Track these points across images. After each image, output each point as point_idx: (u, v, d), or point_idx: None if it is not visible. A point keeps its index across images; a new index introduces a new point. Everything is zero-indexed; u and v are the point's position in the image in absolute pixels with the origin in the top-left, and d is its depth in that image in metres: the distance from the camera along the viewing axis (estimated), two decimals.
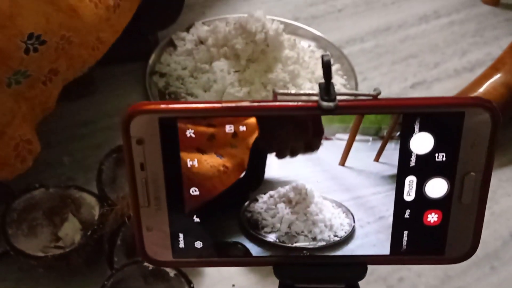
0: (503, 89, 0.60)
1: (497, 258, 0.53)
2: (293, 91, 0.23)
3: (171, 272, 0.43)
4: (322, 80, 0.21)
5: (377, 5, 0.86)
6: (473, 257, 0.53)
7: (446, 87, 0.71)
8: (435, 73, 0.74)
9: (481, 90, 0.61)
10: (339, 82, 0.69)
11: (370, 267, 0.51)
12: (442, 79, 0.73)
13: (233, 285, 0.49)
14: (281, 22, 0.73)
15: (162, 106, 0.22)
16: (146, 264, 0.43)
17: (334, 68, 0.71)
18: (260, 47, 0.62)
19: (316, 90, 0.62)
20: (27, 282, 0.47)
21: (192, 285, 0.43)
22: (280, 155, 0.22)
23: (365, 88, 0.71)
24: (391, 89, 0.71)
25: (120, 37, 0.57)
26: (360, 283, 0.49)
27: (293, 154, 0.22)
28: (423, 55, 0.77)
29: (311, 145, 0.22)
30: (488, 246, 0.54)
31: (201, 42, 0.68)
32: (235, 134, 0.22)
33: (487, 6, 0.88)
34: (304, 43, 0.74)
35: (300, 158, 0.22)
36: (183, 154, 0.22)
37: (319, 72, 0.68)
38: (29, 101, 0.44)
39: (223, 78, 0.63)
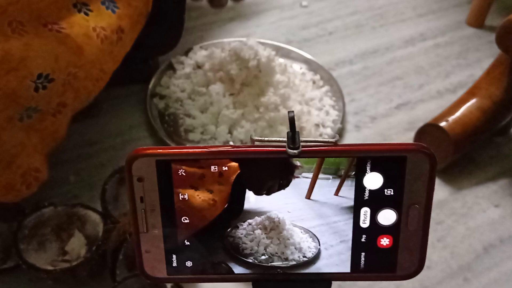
0: (479, 113, 0.65)
1: (470, 270, 0.57)
2: (267, 139, 0.27)
3: (169, 285, 0.47)
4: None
5: (366, 28, 0.91)
6: (448, 269, 0.58)
7: (429, 108, 0.75)
8: (419, 95, 0.79)
9: (458, 113, 0.65)
10: (328, 104, 0.73)
11: (350, 283, 0.55)
12: (426, 100, 0.78)
13: None
14: (274, 46, 0.78)
15: (159, 150, 0.26)
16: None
17: (323, 90, 0.75)
18: (253, 72, 0.67)
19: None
20: None
21: None
22: (257, 193, 0.27)
23: (353, 108, 0.75)
24: (377, 110, 0.75)
25: (123, 62, 0.62)
26: None
27: (268, 193, 0.27)
28: (408, 77, 0.81)
29: (283, 183, 0.27)
30: (462, 259, 0.58)
31: (199, 66, 0.73)
32: (221, 174, 0.27)
33: (472, 28, 0.93)
34: (295, 66, 0.78)
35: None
36: (177, 190, 0.27)
37: (309, 94, 0.73)
38: (39, 132, 0.48)
39: (219, 101, 0.67)
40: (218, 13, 0.89)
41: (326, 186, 0.27)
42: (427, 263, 0.57)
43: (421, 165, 0.26)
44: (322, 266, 0.28)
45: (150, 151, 0.26)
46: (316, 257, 0.28)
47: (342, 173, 0.27)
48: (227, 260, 0.28)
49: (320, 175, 0.27)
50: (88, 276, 0.50)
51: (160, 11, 0.64)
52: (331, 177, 0.27)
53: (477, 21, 0.93)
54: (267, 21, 0.89)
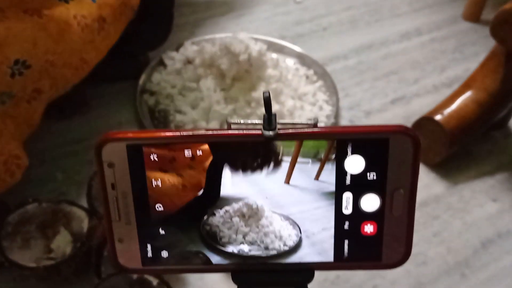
0: (474, 105, 0.63)
1: (467, 266, 0.56)
2: (243, 121, 0.26)
3: (154, 281, 0.46)
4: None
5: (361, 23, 0.90)
6: (445, 264, 0.56)
7: (424, 102, 0.74)
8: (414, 89, 0.77)
9: (454, 106, 0.64)
10: (321, 99, 0.72)
11: (346, 277, 0.54)
12: (421, 94, 0.77)
13: None
14: (267, 41, 0.77)
15: (129, 134, 0.25)
16: (130, 274, 0.46)
17: (317, 85, 0.74)
18: (244, 67, 0.66)
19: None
20: None
21: None
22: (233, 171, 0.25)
23: (347, 103, 0.74)
24: (372, 105, 0.74)
25: (112, 57, 0.60)
26: None
27: (245, 170, 0.25)
28: (404, 72, 0.80)
29: (262, 167, 0.25)
30: (459, 254, 0.57)
31: (189, 61, 0.72)
32: (193, 157, 0.25)
33: (468, 23, 0.92)
34: (289, 61, 0.77)
35: (251, 177, 0.26)
36: (149, 175, 0.26)
37: (302, 89, 0.72)
38: (14, 119, 0.47)
39: (210, 96, 0.66)
40: (210, 9, 0.88)
41: (305, 170, 0.26)
42: (422, 258, 0.56)
43: (404, 148, 0.25)
44: (304, 255, 0.27)
45: (121, 135, 0.25)
46: (297, 246, 0.27)
47: (322, 156, 0.25)
48: (205, 249, 0.27)
49: (299, 159, 0.25)
50: (73, 273, 0.48)
51: (149, 6, 0.63)
52: (310, 160, 0.25)
53: (473, 16, 0.92)
54: (260, 17, 0.88)
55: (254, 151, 0.25)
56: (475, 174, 0.65)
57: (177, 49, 0.75)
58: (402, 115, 0.72)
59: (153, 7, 0.64)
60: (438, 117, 0.63)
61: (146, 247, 0.27)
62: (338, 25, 0.88)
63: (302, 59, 0.78)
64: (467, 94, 0.64)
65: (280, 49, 0.78)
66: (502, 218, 0.61)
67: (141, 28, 0.66)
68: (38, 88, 0.47)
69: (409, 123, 0.67)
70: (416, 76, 0.80)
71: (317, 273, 0.53)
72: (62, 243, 0.51)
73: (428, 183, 0.64)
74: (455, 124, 0.62)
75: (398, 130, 0.25)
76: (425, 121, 0.64)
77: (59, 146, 0.63)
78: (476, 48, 0.85)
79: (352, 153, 0.25)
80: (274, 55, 0.74)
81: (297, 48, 0.79)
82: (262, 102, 0.65)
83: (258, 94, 0.65)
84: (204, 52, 0.69)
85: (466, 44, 0.87)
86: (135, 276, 0.46)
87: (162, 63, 0.73)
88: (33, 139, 0.55)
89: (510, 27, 0.59)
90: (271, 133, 0.24)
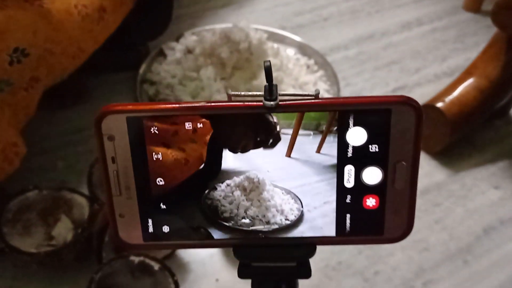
0: (476, 92, 0.63)
1: (469, 252, 0.56)
2: (243, 93, 0.26)
3: (156, 266, 0.46)
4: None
5: (362, 14, 0.89)
6: (447, 251, 0.56)
7: (426, 92, 0.74)
8: (415, 78, 0.77)
9: (455, 93, 0.64)
10: (322, 88, 0.72)
11: (346, 263, 0.54)
12: (423, 84, 0.76)
13: (217, 280, 0.51)
14: (268, 32, 0.76)
15: (129, 107, 0.25)
16: (132, 258, 0.46)
17: (318, 74, 0.74)
18: (245, 55, 0.66)
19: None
20: (22, 278, 0.50)
21: (175, 278, 0.46)
22: (232, 151, 0.25)
23: (348, 93, 0.74)
24: (373, 94, 0.74)
25: (112, 48, 0.60)
26: (338, 277, 0.52)
27: (244, 150, 0.25)
28: (405, 61, 0.80)
29: (262, 141, 0.25)
30: (461, 241, 0.57)
31: (189, 51, 0.72)
32: (194, 130, 0.25)
33: (469, 13, 0.91)
34: (289, 51, 0.77)
35: (252, 150, 0.25)
36: (149, 148, 0.25)
37: (303, 78, 0.71)
38: (12, 107, 0.47)
39: (210, 85, 0.66)
40: (211, 0, 0.87)
41: (307, 143, 0.25)
42: (424, 245, 0.56)
43: (407, 119, 0.25)
44: (305, 230, 0.27)
45: (120, 107, 0.25)
46: (299, 220, 0.27)
47: (324, 128, 0.25)
48: (206, 224, 0.27)
49: (301, 131, 0.25)
50: (74, 259, 0.48)
51: None
52: (312, 133, 0.25)
53: (474, 6, 0.91)
54: (260, 8, 0.88)
55: (255, 123, 0.25)
56: (476, 161, 0.65)
57: (177, 39, 0.75)
58: None
59: None
60: (439, 105, 0.63)
61: (147, 222, 0.27)
62: (338, 16, 0.88)
63: (303, 49, 0.77)
64: (469, 82, 0.64)
65: (280, 39, 0.78)
66: (504, 205, 0.61)
67: (140, 18, 0.66)
68: (36, 76, 0.47)
69: None
70: (417, 65, 0.79)
71: (318, 259, 0.53)
72: (63, 230, 0.51)
73: (429, 171, 0.64)
74: (457, 111, 0.62)
75: (401, 101, 0.24)
76: (427, 109, 0.64)
77: (59, 135, 0.63)
78: (476, 38, 0.85)
79: (354, 125, 0.25)
80: (275, 45, 0.74)
81: (298, 38, 0.79)
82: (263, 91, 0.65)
83: (259, 82, 0.65)
84: (204, 41, 0.69)
85: (467, 34, 0.86)
86: (136, 260, 0.45)
87: (162, 54, 0.73)
88: (34, 128, 0.55)
89: (511, 13, 0.58)
90: (272, 103, 0.24)
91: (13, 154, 0.47)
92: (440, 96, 0.64)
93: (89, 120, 0.69)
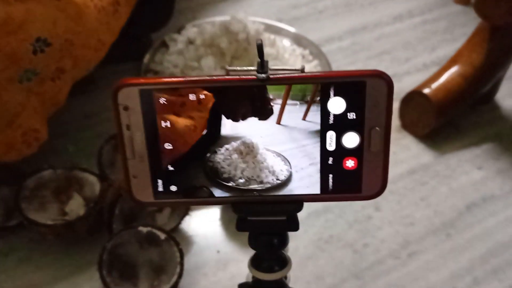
0: (460, 79, 0.67)
1: (452, 227, 0.60)
2: (239, 68, 0.30)
3: (162, 236, 0.50)
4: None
5: (355, 6, 0.93)
6: (431, 225, 0.60)
7: (415, 80, 0.77)
8: (406, 68, 0.81)
9: (441, 80, 0.68)
10: None
11: (337, 237, 0.58)
12: (412, 72, 0.80)
13: (218, 251, 0.56)
14: (265, 23, 0.80)
15: (141, 80, 0.29)
16: (140, 229, 0.50)
17: (312, 64, 0.78)
18: (243, 45, 0.70)
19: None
20: (38, 250, 0.54)
21: (180, 247, 0.50)
22: (234, 120, 0.29)
23: None
24: None
25: (118, 39, 0.64)
26: (330, 249, 0.56)
27: (244, 118, 0.29)
28: (396, 52, 0.84)
29: (259, 111, 0.29)
30: (445, 216, 0.61)
31: (191, 42, 0.75)
32: (199, 101, 0.29)
33: (458, 6, 0.95)
34: (286, 42, 0.81)
35: (248, 119, 0.30)
36: (159, 117, 0.29)
37: (299, 67, 0.75)
38: (39, 96, 0.51)
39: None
40: None
41: (294, 111, 0.30)
42: (409, 220, 0.60)
43: (379, 90, 0.29)
44: (294, 188, 0.31)
45: (134, 81, 0.29)
46: (288, 180, 0.31)
47: (308, 99, 0.29)
48: (208, 184, 0.31)
49: (289, 101, 0.29)
50: (86, 231, 0.52)
51: None
52: (298, 103, 0.29)
53: None
54: (258, 1, 0.92)
55: (252, 95, 0.29)
56: (461, 144, 0.69)
57: (179, 31, 0.79)
58: (394, 91, 0.76)
59: None
60: (426, 91, 0.67)
61: (157, 182, 0.31)
62: (333, 8, 0.92)
63: (298, 40, 0.81)
64: (454, 69, 0.68)
65: (277, 31, 0.82)
66: (486, 184, 0.65)
67: (145, 11, 0.70)
68: (61, 67, 0.51)
69: (400, 98, 0.70)
70: (408, 55, 0.83)
71: (311, 233, 0.57)
72: (75, 206, 0.55)
73: (417, 152, 0.68)
74: (442, 97, 0.66)
75: (374, 74, 0.29)
76: (414, 95, 0.68)
77: (70, 121, 0.67)
78: (465, 29, 0.89)
79: (335, 95, 0.29)
80: (272, 36, 0.78)
81: (294, 30, 0.82)
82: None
83: None
84: (204, 32, 0.73)
85: (456, 26, 0.90)
86: (144, 230, 0.50)
87: (164, 45, 0.77)
88: None
89: (492, 3, 0.62)
90: (264, 75, 0.28)
91: (33, 139, 0.51)
92: (427, 83, 0.68)
93: (96, 107, 0.73)
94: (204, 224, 0.58)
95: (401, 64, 0.82)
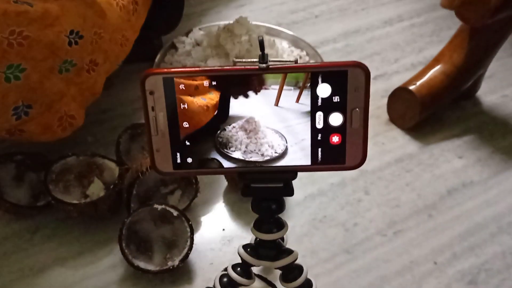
0: (443, 77, 0.74)
1: (434, 208, 0.66)
2: (244, 60, 0.36)
3: (175, 213, 0.56)
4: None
5: (349, 11, 1.00)
6: (415, 207, 0.67)
7: (403, 78, 0.84)
8: (394, 67, 0.88)
9: (425, 78, 0.74)
10: None
11: (330, 217, 0.65)
12: (401, 72, 0.87)
13: (223, 229, 0.62)
14: (265, 27, 0.87)
15: (164, 70, 0.36)
16: (155, 206, 0.56)
17: None
18: (245, 47, 0.77)
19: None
20: (63, 228, 0.60)
21: (190, 223, 0.56)
22: (235, 97, 0.36)
23: None
24: None
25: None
26: (324, 227, 0.63)
27: (246, 97, 0.36)
28: (386, 53, 0.91)
29: (255, 91, 0.36)
30: (427, 199, 0.67)
31: (198, 44, 0.82)
32: (211, 86, 0.36)
33: (445, 10, 1.02)
34: (284, 44, 0.88)
35: (251, 101, 0.36)
36: (178, 99, 0.36)
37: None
38: (78, 85, 0.58)
39: None
40: (215, 0, 0.98)
41: (289, 95, 0.36)
42: (395, 202, 0.67)
43: (359, 77, 0.35)
44: (289, 160, 0.38)
45: (158, 71, 0.36)
46: (284, 153, 0.37)
47: (301, 85, 0.36)
48: (218, 156, 0.38)
49: (285, 87, 0.36)
50: (107, 210, 0.59)
51: None
52: (292, 88, 0.36)
53: (451, 3, 1.01)
54: (259, 7, 0.99)
55: (252, 81, 0.36)
56: (444, 136, 0.76)
57: (186, 34, 0.86)
58: (383, 88, 0.83)
59: None
60: (411, 87, 0.73)
61: (176, 155, 0.38)
62: (328, 13, 0.99)
63: (296, 42, 0.88)
64: (437, 67, 0.75)
65: (276, 34, 0.89)
66: (467, 171, 0.71)
67: (156, 15, 0.77)
68: (94, 59, 0.57)
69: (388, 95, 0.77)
70: (397, 56, 0.90)
71: (307, 214, 0.64)
72: (96, 190, 0.61)
73: (403, 143, 0.74)
74: (426, 93, 0.73)
75: (354, 64, 0.35)
76: (401, 91, 0.74)
77: (89, 115, 0.73)
78: (451, 32, 0.94)
79: (322, 82, 0.35)
80: (271, 38, 0.84)
81: (292, 33, 0.89)
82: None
83: None
84: (210, 35, 0.80)
85: (443, 29, 0.97)
86: (159, 208, 0.56)
87: (173, 46, 0.84)
88: None
89: (470, 7, 0.69)
90: (264, 65, 0.35)
91: (68, 123, 0.58)
92: (412, 80, 0.75)
93: (112, 103, 0.80)
94: (211, 206, 0.64)
95: (390, 64, 0.88)
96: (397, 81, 0.84)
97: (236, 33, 0.76)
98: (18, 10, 0.49)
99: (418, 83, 0.73)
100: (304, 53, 0.86)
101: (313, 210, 0.65)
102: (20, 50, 0.50)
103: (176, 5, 0.78)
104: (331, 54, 0.89)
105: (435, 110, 0.76)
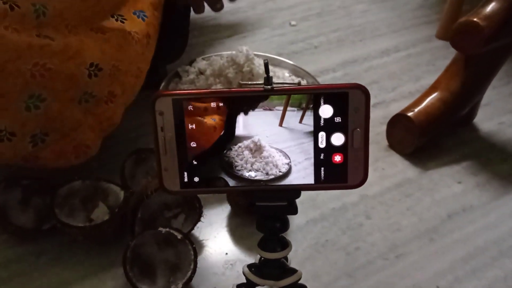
0: (439, 103, 0.76)
1: (435, 232, 0.67)
2: (250, 82, 0.38)
3: (179, 236, 0.57)
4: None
5: (347, 42, 1.03)
6: (416, 231, 0.68)
7: (401, 106, 0.86)
8: (392, 95, 0.90)
9: (423, 104, 0.76)
10: None
11: (332, 241, 0.65)
12: (398, 99, 0.89)
13: (226, 253, 0.62)
14: (266, 57, 0.90)
15: (173, 92, 0.37)
16: (160, 229, 0.57)
17: None
18: (247, 76, 0.79)
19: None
20: (67, 252, 0.61)
21: (194, 246, 0.57)
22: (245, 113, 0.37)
23: None
24: None
25: None
26: (326, 252, 0.63)
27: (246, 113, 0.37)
28: (383, 81, 0.93)
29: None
30: (429, 223, 0.68)
31: (201, 73, 0.85)
32: (218, 107, 0.37)
33: (441, 41, 1.06)
34: (285, 73, 0.90)
35: (255, 122, 0.38)
36: (187, 120, 0.37)
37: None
38: (96, 116, 0.59)
39: None
40: (218, 32, 1.02)
41: (293, 116, 0.38)
42: (397, 226, 0.67)
43: (359, 99, 0.37)
44: (293, 179, 0.39)
45: (168, 92, 0.37)
46: (288, 172, 0.39)
47: (304, 106, 0.37)
48: (224, 175, 0.39)
49: (288, 108, 0.38)
50: (112, 233, 0.59)
51: (169, 25, 0.76)
52: (296, 109, 0.38)
53: (446, 34, 1.05)
54: (260, 38, 1.02)
55: (258, 102, 0.37)
56: (443, 162, 0.77)
57: (190, 63, 0.88)
58: (382, 115, 0.85)
59: (172, 25, 0.77)
60: (409, 114, 0.75)
61: (183, 174, 0.39)
62: (327, 44, 1.02)
63: (296, 71, 0.91)
64: (434, 95, 0.77)
65: (277, 63, 0.92)
66: (466, 196, 0.72)
67: (161, 45, 0.79)
68: (112, 91, 0.59)
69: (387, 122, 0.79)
70: (394, 85, 0.93)
71: (309, 238, 0.64)
72: (100, 214, 0.62)
73: (402, 168, 0.76)
74: (424, 119, 0.75)
75: (354, 86, 0.37)
76: (399, 117, 0.76)
77: None
78: (446, 62, 0.97)
79: (324, 103, 0.37)
80: (272, 68, 0.87)
81: (292, 62, 0.92)
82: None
83: None
84: (213, 64, 0.83)
85: (438, 58, 1.00)
86: (163, 231, 0.57)
87: (177, 75, 0.86)
88: None
89: (464, 36, 0.72)
90: (269, 87, 0.36)
91: (82, 152, 0.59)
92: (410, 107, 0.77)
93: (118, 129, 0.81)
94: (214, 230, 0.65)
95: (388, 92, 0.91)
96: (395, 108, 0.86)
97: (238, 62, 0.78)
98: (42, 44, 0.52)
99: (416, 109, 0.75)
100: (304, 81, 0.88)
101: (315, 234, 0.65)
102: (42, 81, 0.52)
103: (181, 35, 0.81)
104: (331, 82, 0.91)
105: (433, 136, 0.78)
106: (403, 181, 0.73)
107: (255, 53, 0.89)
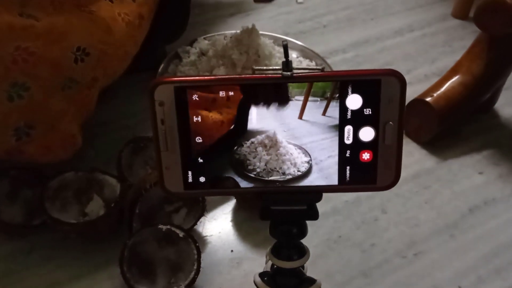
0: (461, 88, 0.71)
1: (456, 228, 0.62)
2: (265, 68, 0.33)
3: (180, 233, 0.52)
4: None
5: (358, 21, 0.97)
6: (435, 226, 0.63)
7: (416, 90, 0.80)
8: (407, 78, 0.82)
9: (442, 89, 0.71)
10: None
11: (345, 237, 0.61)
12: (413, 83, 0.84)
13: (232, 251, 0.58)
14: (272, 37, 0.84)
15: (175, 79, 0.32)
16: (160, 227, 0.52)
17: None
18: (253, 57, 0.73)
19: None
20: (60, 249, 0.56)
21: (197, 244, 0.52)
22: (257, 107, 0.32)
23: None
24: None
25: None
26: (339, 248, 0.59)
27: (268, 108, 0.32)
28: (397, 63, 0.87)
29: (279, 104, 0.32)
30: (449, 218, 0.63)
31: (203, 54, 0.79)
32: (228, 98, 0.32)
33: (457, 20, 0.99)
34: (293, 54, 0.84)
35: (271, 114, 0.32)
36: (191, 112, 0.32)
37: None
38: (77, 103, 0.54)
39: None
40: (220, 10, 0.95)
41: (315, 107, 0.32)
42: (414, 221, 0.63)
43: (393, 87, 0.32)
44: (313, 179, 0.34)
45: (169, 79, 0.32)
46: (308, 171, 0.34)
47: (328, 95, 0.32)
48: (234, 175, 0.34)
49: (310, 98, 0.32)
50: (108, 230, 0.55)
51: (168, 1, 0.70)
52: (319, 99, 0.32)
53: (462, 13, 0.99)
54: (266, 16, 0.96)
55: (275, 91, 0.32)
56: (463, 150, 0.72)
57: (191, 44, 0.82)
58: None
59: (171, 2, 0.71)
60: (428, 99, 0.70)
61: (187, 173, 0.34)
62: (336, 23, 0.96)
63: (305, 52, 0.85)
64: (455, 78, 0.71)
65: None
66: (488, 188, 0.67)
67: (159, 23, 0.73)
68: (95, 76, 0.54)
69: None
70: (409, 67, 0.87)
71: (321, 234, 0.60)
72: (95, 207, 0.57)
73: (420, 158, 0.70)
74: (444, 105, 0.69)
75: (388, 73, 0.32)
76: (417, 103, 0.71)
77: (89, 128, 0.69)
78: (464, 42, 0.93)
79: (352, 92, 0.32)
80: (279, 49, 0.81)
81: (300, 43, 0.86)
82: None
83: None
84: (216, 44, 0.77)
85: (455, 39, 0.94)
86: (164, 228, 0.52)
87: (177, 56, 0.80)
88: None
89: (490, 15, 0.66)
90: (288, 73, 0.31)
91: (70, 144, 0.54)
92: (429, 91, 0.71)
93: (115, 115, 0.76)
94: (218, 225, 0.60)
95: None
96: (410, 93, 0.79)
97: (243, 43, 0.72)
98: (24, 25, 0.46)
99: (436, 94, 0.70)
100: (313, 63, 0.83)
101: (327, 229, 0.61)
102: (25, 67, 0.47)
103: (182, 13, 0.75)
104: (341, 65, 0.86)
105: (453, 123, 0.72)
106: (421, 172, 0.69)
107: (261, 32, 0.83)
